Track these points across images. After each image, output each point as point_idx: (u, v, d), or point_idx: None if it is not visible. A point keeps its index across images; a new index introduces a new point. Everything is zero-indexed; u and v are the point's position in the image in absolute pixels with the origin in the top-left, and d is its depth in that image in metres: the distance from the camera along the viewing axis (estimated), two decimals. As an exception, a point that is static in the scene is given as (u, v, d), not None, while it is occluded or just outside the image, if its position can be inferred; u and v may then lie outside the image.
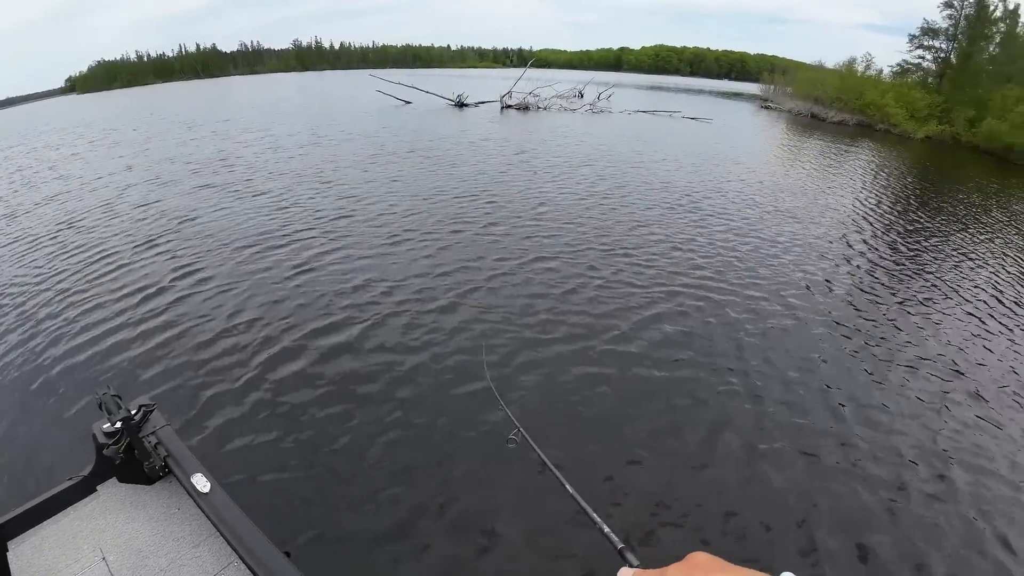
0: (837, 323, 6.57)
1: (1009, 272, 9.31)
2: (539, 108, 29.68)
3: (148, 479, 2.78)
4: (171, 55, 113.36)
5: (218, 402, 4.49)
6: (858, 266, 8.65)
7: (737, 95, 55.83)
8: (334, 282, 6.73)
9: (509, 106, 29.34)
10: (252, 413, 4.37)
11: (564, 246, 8.27)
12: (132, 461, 2.71)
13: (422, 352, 5.30)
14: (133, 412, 2.65)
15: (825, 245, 9.47)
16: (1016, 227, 12.84)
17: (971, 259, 9.72)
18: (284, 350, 5.27)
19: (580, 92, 36.78)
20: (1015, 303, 7.90)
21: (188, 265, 7.23)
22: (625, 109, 31.30)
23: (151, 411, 2.78)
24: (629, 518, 3.57)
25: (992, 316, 7.28)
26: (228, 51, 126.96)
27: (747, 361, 5.50)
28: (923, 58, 42.63)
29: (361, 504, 3.55)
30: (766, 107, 43.20)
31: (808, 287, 7.58)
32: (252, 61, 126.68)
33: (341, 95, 39.22)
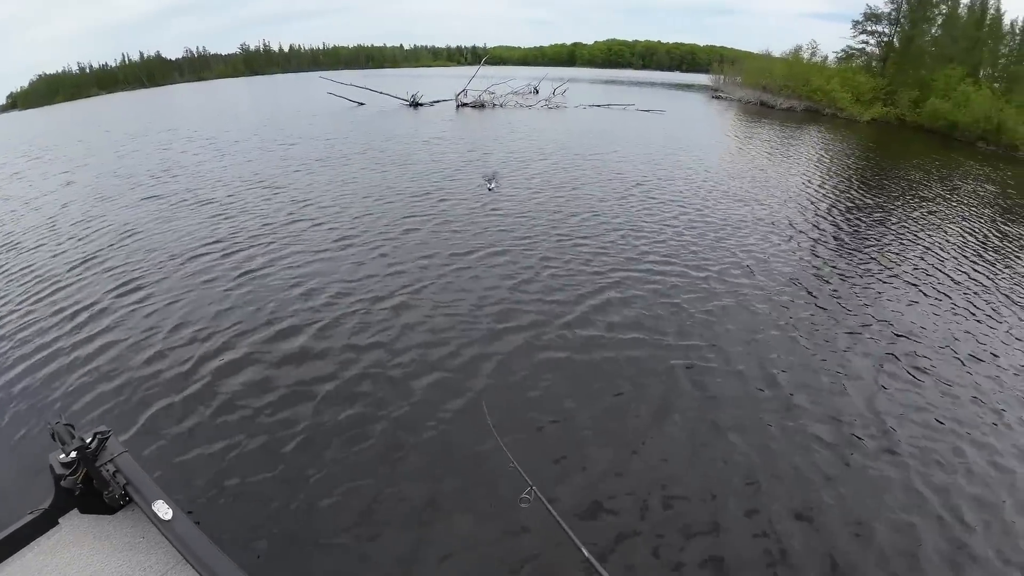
0: (781, 299, 6.82)
1: (950, 242, 9.82)
2: (495, 105, 29.67)
3: (110, 509, 2.69)
4: (115, 65, 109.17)
5: (173, 420, 4.36)
6: (801, 244, 8.99)
7: (688, 86, 56.70)
8: (282, 287, 6.62)
9: (465, 104, 29.23)
10: (208, 428, 4.27)
11: (516, 239, 8.32)
12: (92, 491, 2.62)
13: (376, 351, 5.29)
14: (88, 440, 2.56)
15: (770, 226, 9.80)
16: (956, 200, 13.56)
17: (911, 232, 10.21)
18: (236, 360, 5.17)
19: (535, 88, 36.89)
20: (955, 270, 8.36)
21: (132, 280, 6.98)
22: (580, 104, 31.52)
23: (107, 438, 2.68)
24: (579, 495, 3.63)
25: (932, 286, 7.68)
26: (173, 58, 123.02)
27: (697, 338, 5.70)
28: (867, 43, 44.07)
29: (321, 507, 3.54)
30: (717, 97, 44.05)
31: (752, 266, 7.83)
32: (199, 67, 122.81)
33: (291, 99, 38.42)
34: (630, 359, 5.23)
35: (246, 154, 15.58)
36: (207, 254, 7.77)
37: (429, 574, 3.11)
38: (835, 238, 9.53)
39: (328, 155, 15.01)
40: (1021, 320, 6.84)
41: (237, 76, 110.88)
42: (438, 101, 30.41)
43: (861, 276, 7.84)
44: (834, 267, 8.00)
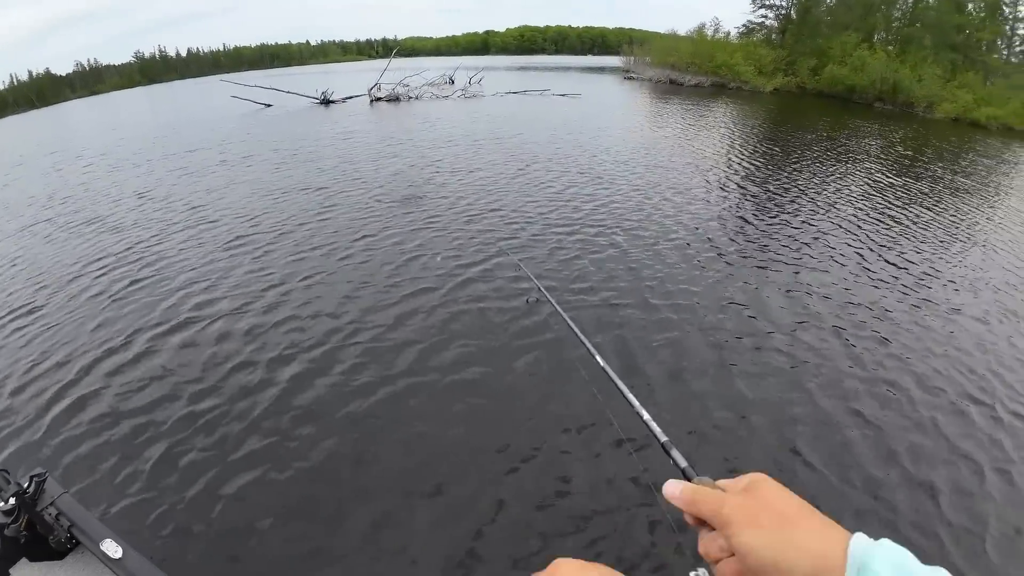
0: (703, 260, 7.08)
1: (850, 191, 10.87)
2: (410, 98, 28.98)
3: (58, 553, 2.50)
4: (3, 88, 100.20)
5: (98, 450, 3.93)
6: (714, 204, 9.46)
7: (601, 69, 57.78)
8: (178, 296, 6.07)
9: (379, 99, 28.36)
10: (136, 454, 3.87)
11: (432, 229, 8.03)
12: (37, 537, 2.41)
13: (288, 351, 4.91)
14: (25, 485, 2.36)
15: (685, 191, 10.32)
16: (855, 155, 14.70)
17: (817, 185, 11.17)
18: (146, 377, 4.73)
19: (451, 78, 36.38)
20: (853, 216, 9.36)
21: (17, 310, 6.22)
22: (497, 91, 31.33)
23: (44, 480, 2.47)
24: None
25: (838, 225, 8.51)
26: (64, 73, 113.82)
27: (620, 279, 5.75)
28: (766, 16, 46.39)
29: (267, 525, 3.24)
30: (629, 78, 45.01)
31: (670, 225, 8.34)
32: (91, 81, 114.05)
33: (191, 105, 36.09)
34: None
35: (140, 166, 14.33)
36: (89, 274, 7.03)
37: None
38: (746, 196, 10.24)
39: (229, 159, 14.07)
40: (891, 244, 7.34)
41: (133, 86, 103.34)
42: (351, 97, 29.40)
43: (776, 228, 8.58)
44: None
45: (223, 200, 10.11)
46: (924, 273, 7.25)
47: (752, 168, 12.83)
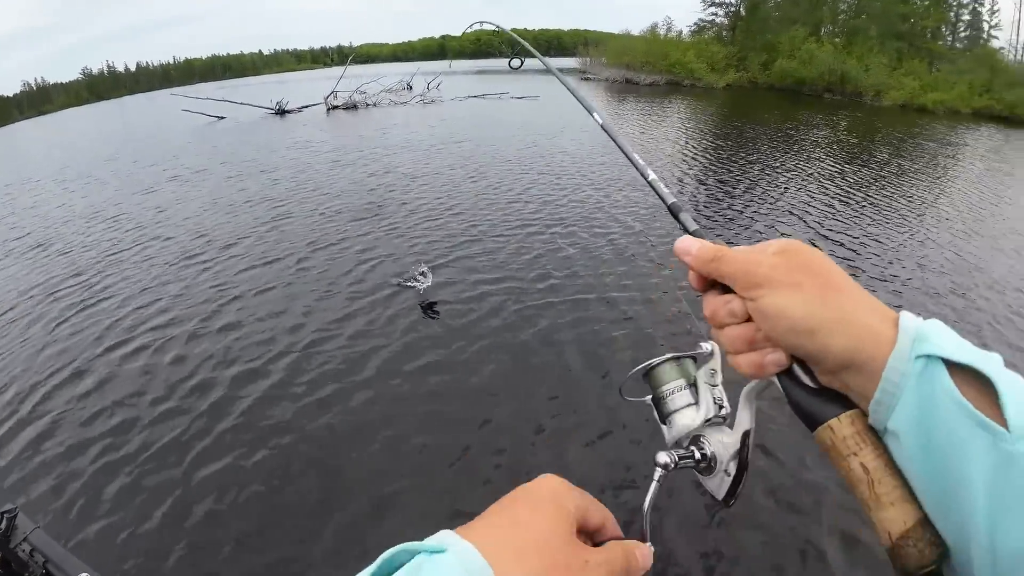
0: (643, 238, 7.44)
1: (800, 180, 11.40)
2: (368, 105, 28.72)
3: None
4: None
5: (62, 480, 3.79)
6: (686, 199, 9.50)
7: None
8: (135, 318, 5.90)
9: (336, 107, 28.00)
10: (100, 480, 3.75)
11: (392, 235, 8.00)
12: (12, 574, 2.33)
13: (248, 366, 4.83)
14: None
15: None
16: (805, 145, 15.30)
17: (769, 175, 11.66)
18: (94, 397, 4.62)
19: (408, 84, 36.12)
20: (803, 203, 9.82)
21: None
22: (456, 96, 31.27)
23: (15, 516, 2.37)
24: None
25: (788, 212, 8.80)
26: (10, 95, 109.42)
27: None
28: (716, 14, 47.52)
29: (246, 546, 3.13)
30: (586, 78, 45.42)
31: (621, 217, 8.67)
32: (39, 101, 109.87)
33: (142, 122, 35.08)
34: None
35: (90, 186, 13.86)
36: (38, 300, 6.78)
37: None
38: (701, 189, 10.70)
39: (180, 175, 13.71)
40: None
41: (82, 104, 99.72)
42: (307, 106, 28.92)
43: (728, 219, 8.95)
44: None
45: (175, 217, 9.85)
46: (873, 253, 7.63)
47: (706, 162, 13.20)
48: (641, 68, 42.09)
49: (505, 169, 12.25)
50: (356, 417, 4.26)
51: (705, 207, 9.50)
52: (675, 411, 0.61)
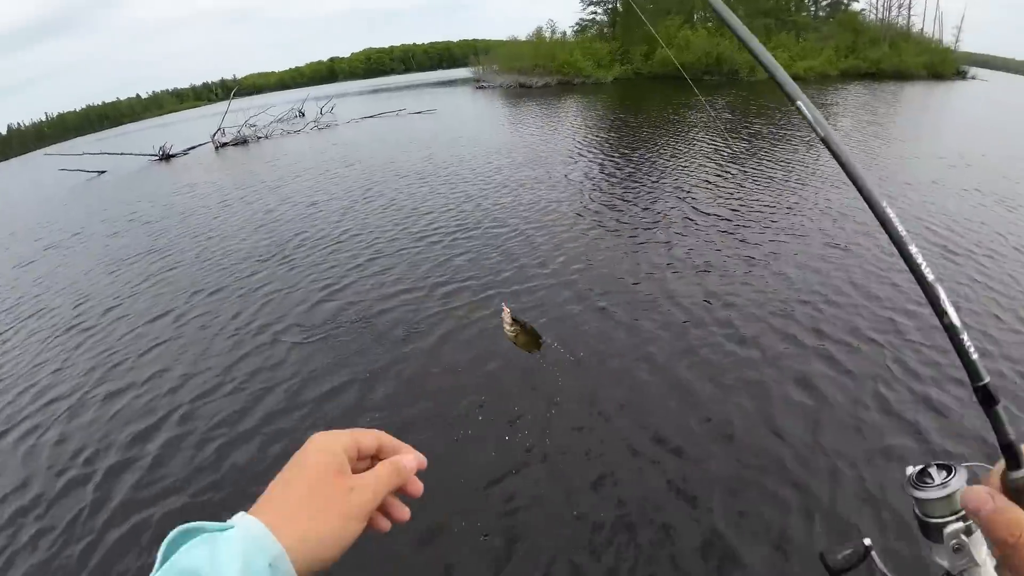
0: (555, 230, 7.38)
1: (687, 157, 12.15)
2: (259, 138, 27.58)
3: None
4: None
5: None
6: (575, 192, 10.09)
7: (453, 82, 58.46)
8: (10, 401, 5.32)
9: (224, 144, 26.70)
10: None
11: (292, 269, 7.67)
12: None
13: (142, 430, 4.43)
14: None
15: (549, 183, 10.96)
16: (689, 125, 16.26)
17: (656, 156, 12.38)
18: None
19: (300, 111, 35.07)
20: (689, 181, 10.20)
21: None
22: (352, 118, 30.66)
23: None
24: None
25: (677, 187, 8.91)
26: None
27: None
28: (596, 13, 49.36)
29: None
30: (480, 87, 45.89)
31: (530, 215, 8.83)
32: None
33: (16, 189, 31.95)
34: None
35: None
36: None
37: None
38: (604, 178, 11.07)
39: (57, 240, 12.57)
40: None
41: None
42: (193, 147, 27.38)
43: (637, 198, 9.47)
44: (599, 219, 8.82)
45: (54, 287, 8.99)
46: (756, 212, 8.40)
47: (597, 153, 13.74)
48: (532, 71, 43.04)
49: (403, 184, 12.12)
50: (256, 461, 4.01)
51: (593, 198, 9.89)
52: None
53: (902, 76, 38.08)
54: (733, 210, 8.68)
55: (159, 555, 0.46)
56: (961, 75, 43.26)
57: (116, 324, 6.89)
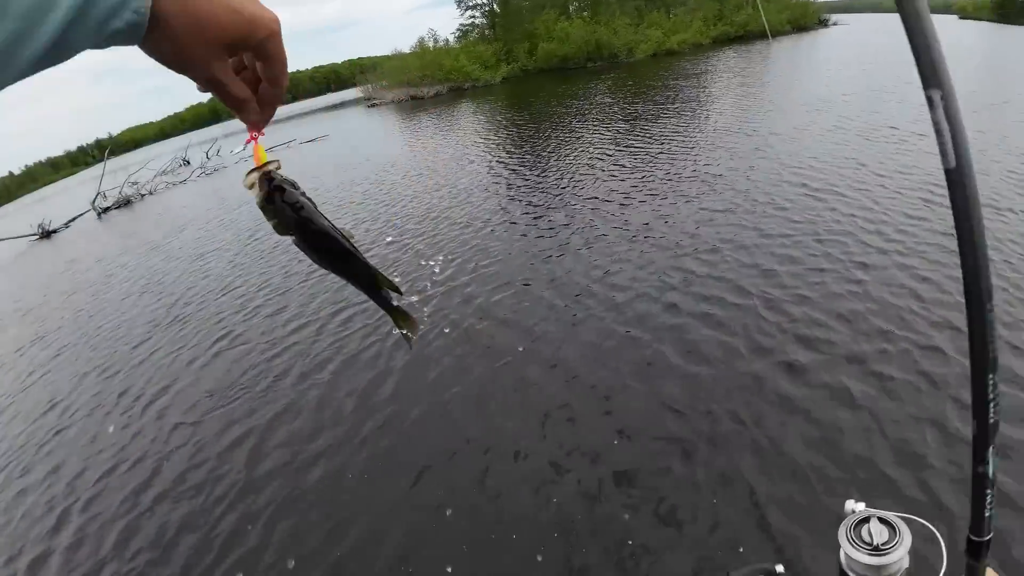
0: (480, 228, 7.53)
1: (600, 136, 12.88)
2: (143, 195, 25.98)
3: None
4: None
5: None
6: (482, 194, 10.40)
7: (343, 103, 57.36)
8: None
9: (107, 208, 24.96)
10: None
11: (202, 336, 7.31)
12: None
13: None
14: None
15: (452, 189, 11.15)
16: (581, 112, 16.90)
17: (555, 147, 12.95)
18: None
19: (184, 159, 33.37)
20: (589, 161, 10.64)
21: None
22: (241, 158, 29.44)
23: None
24: None
25: (577, 176, 9.21)
26: None
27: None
28: (475, 17, 49.75)
29: None
30: (372, 105, 45.26)
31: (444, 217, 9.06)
32: None
33: None
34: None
35: None
36: None
37: None
38: (508, 177, 11.37)
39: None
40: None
41: None
42: (74, 218, 25.39)
43: (560, 188, 9.76)
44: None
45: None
46: (667, 178, 9.05)
47: (504, 154, 13.93)
48: (421, 82, 42.92)
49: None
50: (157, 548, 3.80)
51: (514, 195, 10.06)
52: None
53: (770, 34, 40.69)
54: (612, 190, 9.02)
55: None
56: (823, 23, 46.64)
57: (9, 424, 6.33)
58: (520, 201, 9.50)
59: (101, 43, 0.45)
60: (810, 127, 10.75)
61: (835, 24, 46.44)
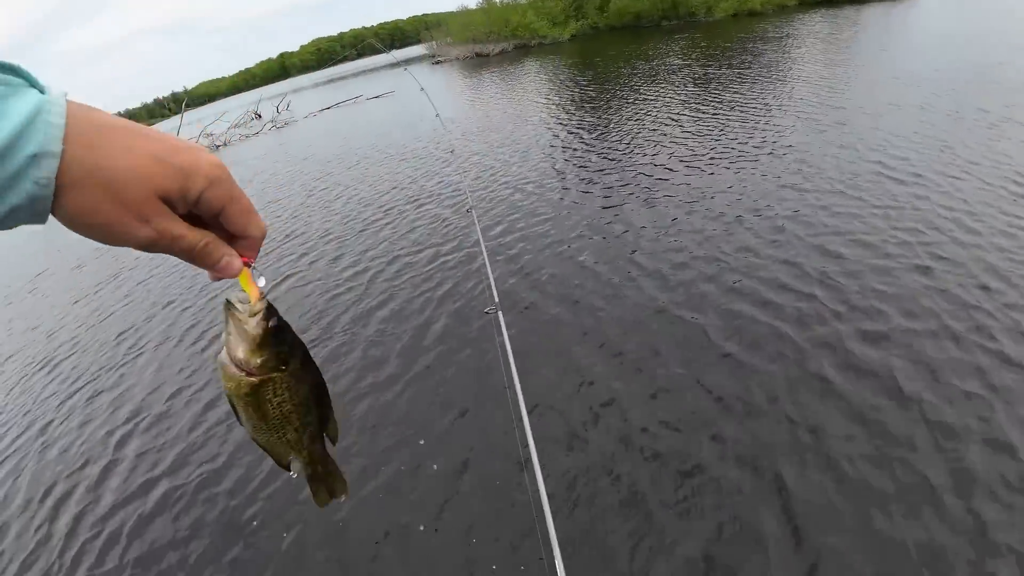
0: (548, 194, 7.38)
1: (667, 100, 12.50)
2: (217, 147, 27.10)
3: None
4: None
5: None
6: (553, 153, 10.21)
7: (408, 61, 57.30)
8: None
9: (182, 158, 26.24)
10: None
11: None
12: None
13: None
14: None
15: (538, 148, 10.93)
16: (655, 74, 16.27)
17: (628, 110, 12.35)
18: None
19: (256, 113, 34.43)
20: (664, 129, 10.25)
21: None
22: (310, 112, 30.13)
23: None
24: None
25: (653, 139, 8.97)
26: None
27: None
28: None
29: None
30: (437, 62, 44.97)
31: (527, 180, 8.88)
32: None
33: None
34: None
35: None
36: None
37: None
38: (574, 136, 11.05)
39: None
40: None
41: None
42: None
43: (623, 153, 9.36)
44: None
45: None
46: (753, 147, 8.46)
47: (572, 113, 13.55)
48: (487, 39, 42.28)
49: (382, 169, 12.07)
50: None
51: (581, 155, 9.77)
52: None
53: (861, -1, 37.63)
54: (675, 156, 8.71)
55: None
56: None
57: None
58: (574, 164, 9.31)
59: None
60: (897, 103, 9.99)
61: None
